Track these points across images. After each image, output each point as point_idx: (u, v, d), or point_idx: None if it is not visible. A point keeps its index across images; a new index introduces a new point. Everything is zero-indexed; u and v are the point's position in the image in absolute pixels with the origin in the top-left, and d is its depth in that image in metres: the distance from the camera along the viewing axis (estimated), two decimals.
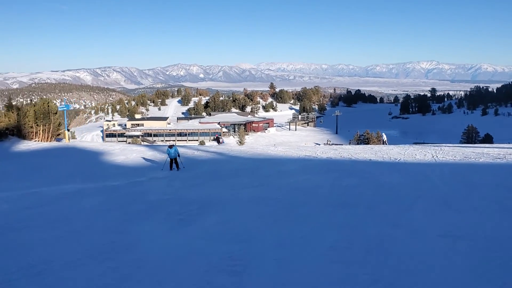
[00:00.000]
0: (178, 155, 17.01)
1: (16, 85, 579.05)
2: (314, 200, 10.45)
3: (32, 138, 27.41)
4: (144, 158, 20.42)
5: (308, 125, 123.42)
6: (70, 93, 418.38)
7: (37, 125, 26.95)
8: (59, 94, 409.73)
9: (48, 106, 27.46)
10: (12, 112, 27.65)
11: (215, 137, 44.29)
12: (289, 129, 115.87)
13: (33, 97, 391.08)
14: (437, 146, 23.94)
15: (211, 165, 18.46)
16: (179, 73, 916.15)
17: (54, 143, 26.78)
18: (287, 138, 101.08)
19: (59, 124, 28.88)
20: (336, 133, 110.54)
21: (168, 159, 16.80)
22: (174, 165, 16.91)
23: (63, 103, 30.08)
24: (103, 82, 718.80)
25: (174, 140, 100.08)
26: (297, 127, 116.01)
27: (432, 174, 13.27)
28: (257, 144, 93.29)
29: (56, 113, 28.71)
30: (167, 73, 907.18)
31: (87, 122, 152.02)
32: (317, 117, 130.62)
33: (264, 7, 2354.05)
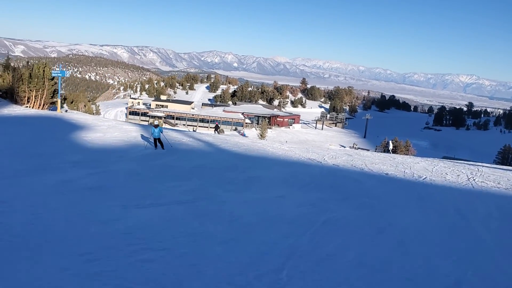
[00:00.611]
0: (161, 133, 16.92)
1: (55, 54, 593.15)
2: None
3: (24, 104, 24.98)
4: (120, 140, 17.57)
5: (336, 126, 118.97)
6: (105, 68, 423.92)
7: (30, 90, 24.44)
8: (95, 67, 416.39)
9: (44, 71, 24.84)
10: (8, 74, 25.22)
11: (215, 124, 40.68)
12: (315, 128, 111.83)
13: (69, 67, 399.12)
14: (471, 164, 19.69)
15: (172, 157, 15.08)
16: (214, 60, 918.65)
17: (43, 111, 24.28)
18: (311, 136, 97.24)
19: (54, 91, 26.29)
20: (364, 137, 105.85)
21: (153, 138, 16.75)
22: (159, 144, 16.74)
23: (57, 69, 27.43)
24: (139, 61, 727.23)
25: (196, 125, 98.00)
26: (324, 126, 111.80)
27: (472, 215, 9.33)
28: (278, 139, 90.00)
29: (52, 79, 26.12)
30: (202, 58, 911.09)
31: (115, 97, 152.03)
32: (346, 118, 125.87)
33: (306, 1, 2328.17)
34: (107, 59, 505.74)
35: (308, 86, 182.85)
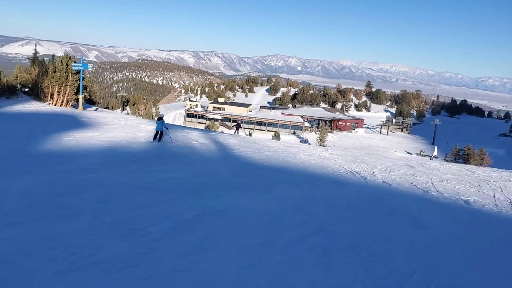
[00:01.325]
0: (166, 128, 16.98)
1: (126, 59, 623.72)
2: None
3: (47, 100, 22.60)
4: (121, 140, 14.05)
5: (402, 131, 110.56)
6: (172, 72, 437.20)
7: (53, 86, 22.00)
8: (162, 72, 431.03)
9: (67, 64, 22.30)
10: (34, 68, 23.01)
11: (237, 123, 34.67)
12: (380, 133, 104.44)
13: (138, 72, 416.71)
14: None
15: (145, 163, 11.13)
16: (277, 63, 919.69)
17: (62, 108, 21.70)
18: (375, 142, 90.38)
19: (78, 86, 23.68)
20: (433, 143, 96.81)
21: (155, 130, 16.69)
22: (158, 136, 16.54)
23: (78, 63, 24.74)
24: (204, 65, 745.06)
25: (253, 128, 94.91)
26: (389, 131, 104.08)
27: None
28: (339, 144, 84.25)
29: (77, 73, 23.54)
30: (266, 62, 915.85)
31: (176, 100, 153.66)
32: (413, 123, 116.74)
33: (371, 3, 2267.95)
34: (173, 64, 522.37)
35: (373, 89, 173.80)
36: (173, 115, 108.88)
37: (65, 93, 22.32)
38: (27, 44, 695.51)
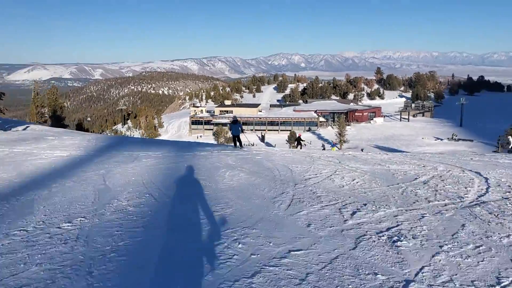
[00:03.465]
0: (242, 131, 15.75)
1: (130, 73, 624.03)
2: None
3: None
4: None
5: (423, 115, 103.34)
6: (177, 81, 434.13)
7: None
8: (167, 82, 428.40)
9: None
10: None
11: (298, 136, 28.60)
12: (400, 120, 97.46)
13: (143, 84, 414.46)
14: None
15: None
16: (281, 62, 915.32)
17: None
18: (398, 130, 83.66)
19: None
20: (461, 125, 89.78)
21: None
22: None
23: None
24: (209, 71, 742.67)
25: (265, 130, 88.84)
26: (410, 117, 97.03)
27: None
28: (360, 137, 77.62)
29: None
30: (269, 62, 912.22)
31: (181, 108, 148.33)
32: (434, 106, 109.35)
33: None
34: (178, 73, 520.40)
35: (384, 75, 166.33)
36: (177, 124, 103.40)
37: None
38: (33, 69, 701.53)
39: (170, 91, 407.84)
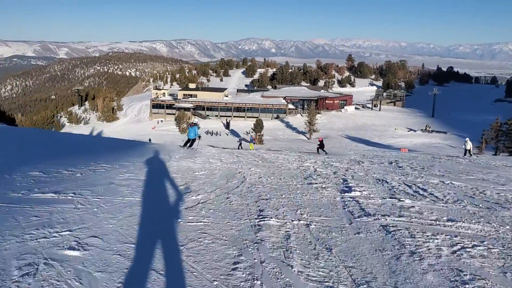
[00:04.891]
0: (199, 137, 16.19)
1: (97, 53, 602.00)
2: None
3: None
4: None
5: (394, 105, 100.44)
6: (145, 63, 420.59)
7: None
8: (134, 63, 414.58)
9: None
10: None
11: (227, 121, 23.18)
12: (371, 109, 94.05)
13: (109, 65, 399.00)
14: None
15: None
16: (251, 47, 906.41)
17: None
18: (370, 120, 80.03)
19: None
20: (432, 116, 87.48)
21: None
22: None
23: None
24: (178, 54, 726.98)
25: (231, 116, 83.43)
26: (382, 106, 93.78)
27: None
28: (330, 126, 73.41)
29: None
30: (240, 47, 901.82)
31: (144, 91, 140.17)
32: (405, 95, 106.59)
33: None
34: (146, 54, 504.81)
35: (355, 63, 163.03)
36: (138, 107, 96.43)
37: None
38: None
39: (138, 73, 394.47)
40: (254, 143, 35.48)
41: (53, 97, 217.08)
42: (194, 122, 16.91)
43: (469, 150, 24.75)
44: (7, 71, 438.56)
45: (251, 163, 11.54)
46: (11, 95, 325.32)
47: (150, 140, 58.26)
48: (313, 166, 11.33)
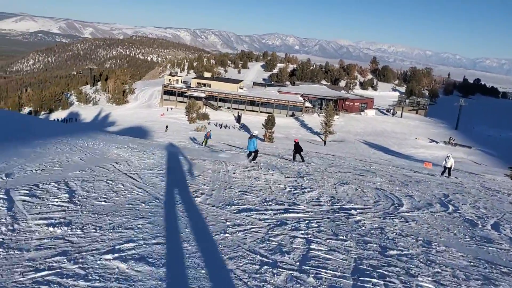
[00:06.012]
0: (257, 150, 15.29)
1: (121, 36, 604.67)
2: None
3: None
4: None
5: (417, 113, 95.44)
6: (167, 50, 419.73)
7: None
8: (157, 49, 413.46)
9: None
10: None
11: (238, 114, 19.56)
12: (393, 115, 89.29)
13: (132, 48, 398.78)
14: None
15: None
16: (275, 42, 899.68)
17: None
18: (390, 126, 75.50)
19: None
20: (456, 128, 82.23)
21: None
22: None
23: None
24: (201, 43, 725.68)
25: (243, 109, 79.84)
26: (403, 113, 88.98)
27: None
28: (347, 129, 69.25)
29: None
30: (263, 41, 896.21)
31: (160, 76, 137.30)
32: (429, 104, 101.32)
33: None
34: (169, 41, 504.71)
35: (379, 66, 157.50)
36: (150, 92, 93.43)
37: None
38: (21, 20, 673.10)
39: (160, 59, 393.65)
40: (209, 139, 30.74)
41: (74, 72, 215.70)
42: (253, 134, 16.02)
43: (449, 168, 20.38)
44: (31, 46, 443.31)
45: None
46: (32, 70, 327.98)
47: (167, 127, 54.78)
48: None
